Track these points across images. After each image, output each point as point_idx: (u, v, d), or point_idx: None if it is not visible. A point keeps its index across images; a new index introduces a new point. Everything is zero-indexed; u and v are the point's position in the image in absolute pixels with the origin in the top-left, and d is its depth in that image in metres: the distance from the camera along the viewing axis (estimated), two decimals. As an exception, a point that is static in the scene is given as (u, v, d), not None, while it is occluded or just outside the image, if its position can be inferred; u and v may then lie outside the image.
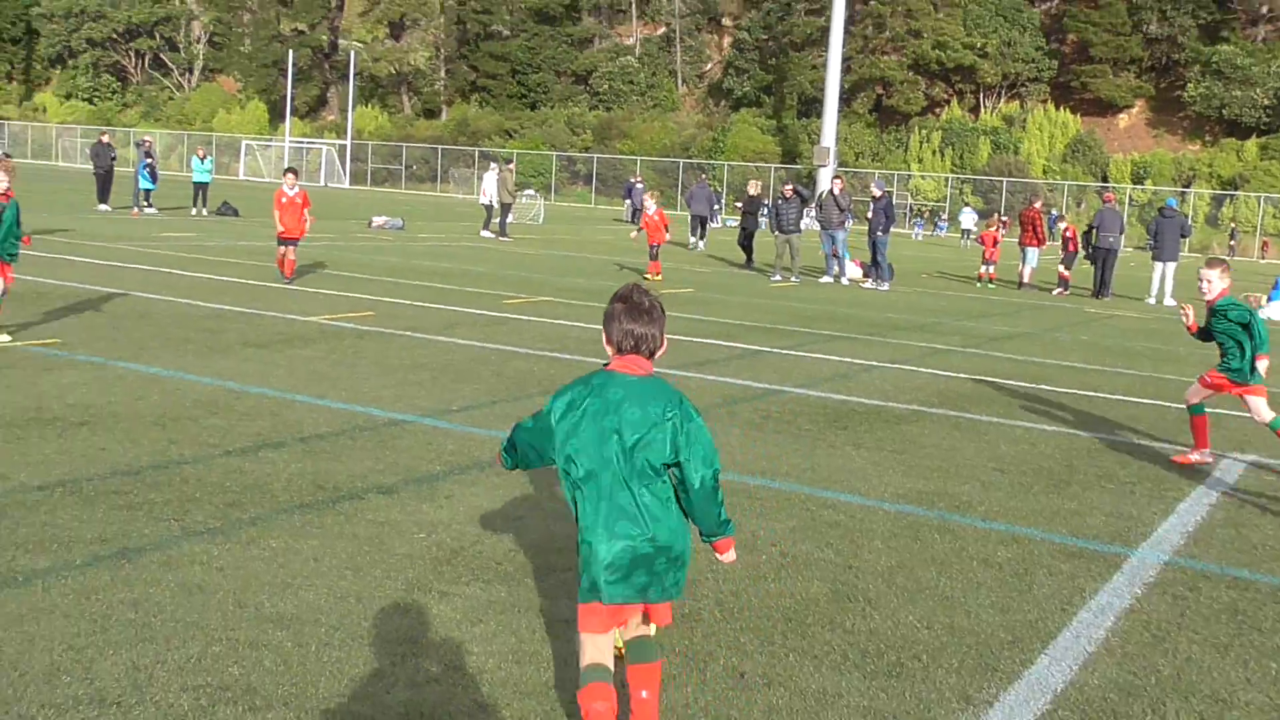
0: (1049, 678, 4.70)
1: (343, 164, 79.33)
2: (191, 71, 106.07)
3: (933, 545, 6.37)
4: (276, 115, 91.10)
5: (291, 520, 6.08)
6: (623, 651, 4.08)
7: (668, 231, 22.84)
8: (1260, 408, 8.46)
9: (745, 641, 4.88)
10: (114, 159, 34.10)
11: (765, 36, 79.77)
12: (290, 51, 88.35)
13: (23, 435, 7.41)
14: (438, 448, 7.86)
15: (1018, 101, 73.18)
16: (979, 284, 26.57)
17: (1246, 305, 8.61)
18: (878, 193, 25.40)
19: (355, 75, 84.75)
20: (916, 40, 71.91)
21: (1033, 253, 26.78)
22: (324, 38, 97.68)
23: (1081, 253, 26.43)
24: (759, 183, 30.81)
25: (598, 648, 3.85)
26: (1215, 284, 8.55)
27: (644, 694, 3.90)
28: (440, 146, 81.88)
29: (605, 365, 3.89)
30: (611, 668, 3.87)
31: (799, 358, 13.24)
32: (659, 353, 3.89)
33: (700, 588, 5.46)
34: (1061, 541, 6.58)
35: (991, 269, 26.91)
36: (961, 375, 12.54)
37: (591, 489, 3.77)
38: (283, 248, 17.49)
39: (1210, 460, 8.89)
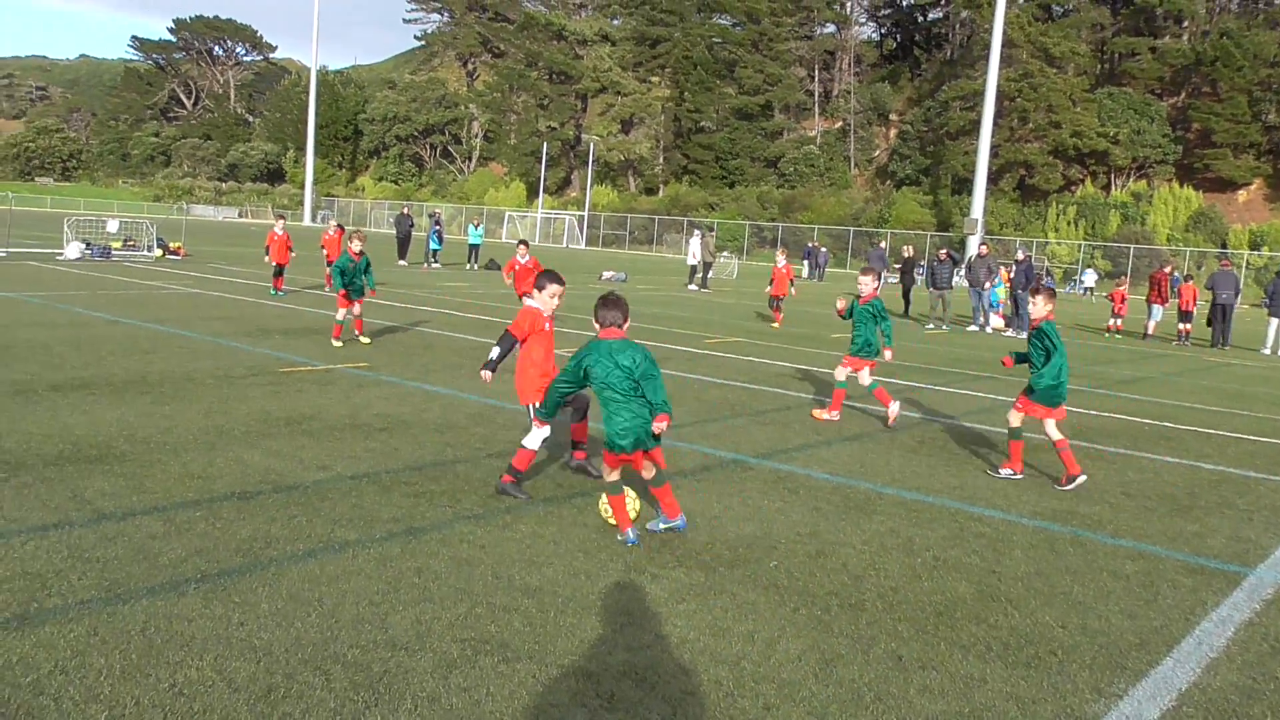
0: (1174, 678, 4.35)
1: (581, 230, 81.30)
2: (470, 159, 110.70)
3: (1067, 556, 6.00)
4: (532, 192, 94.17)
5: (537, 510, 6.19)
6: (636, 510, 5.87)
7: (793, 286, 22.16)
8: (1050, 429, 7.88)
9: (903, 630, 4.70)
10: (411, 226, 35.76)
11: (925, 128, 77.88)
12: (545, 144, 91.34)
13: (341, 436, 7.80)
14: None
15: (1145, 180, 69.01)
16: (1107, 334, 25.09)
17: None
18: (1021, 256, 24.37)
19: (593, 161, 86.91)
20: (1056, 130, 68.82)
21: (1158, 309, 25.18)
22: (571, 133, 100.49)
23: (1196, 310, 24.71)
24: (911, 247, 29.97)
25: (615, 475, 5.80)
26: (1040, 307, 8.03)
27: (664, 500, 5.86)
28: (657, 217, 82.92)
29: (597, 336, 5.81)
30: (622, 485, 5.81)
31: (949, 393, 12.75)
32: (624, 325, 5.88)
33: (864, 583, 5.30)
34: (1184, 559, 6.10)
35: (1119, 322, 25.40)
36: (1092, 412, 11.84)
37: (608, 394, 5.67)
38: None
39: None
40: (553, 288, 6.83)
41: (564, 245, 76.83)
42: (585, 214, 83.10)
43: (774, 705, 3.87)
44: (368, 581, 4.79)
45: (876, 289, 10.26)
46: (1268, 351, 22.45)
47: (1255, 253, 56.78)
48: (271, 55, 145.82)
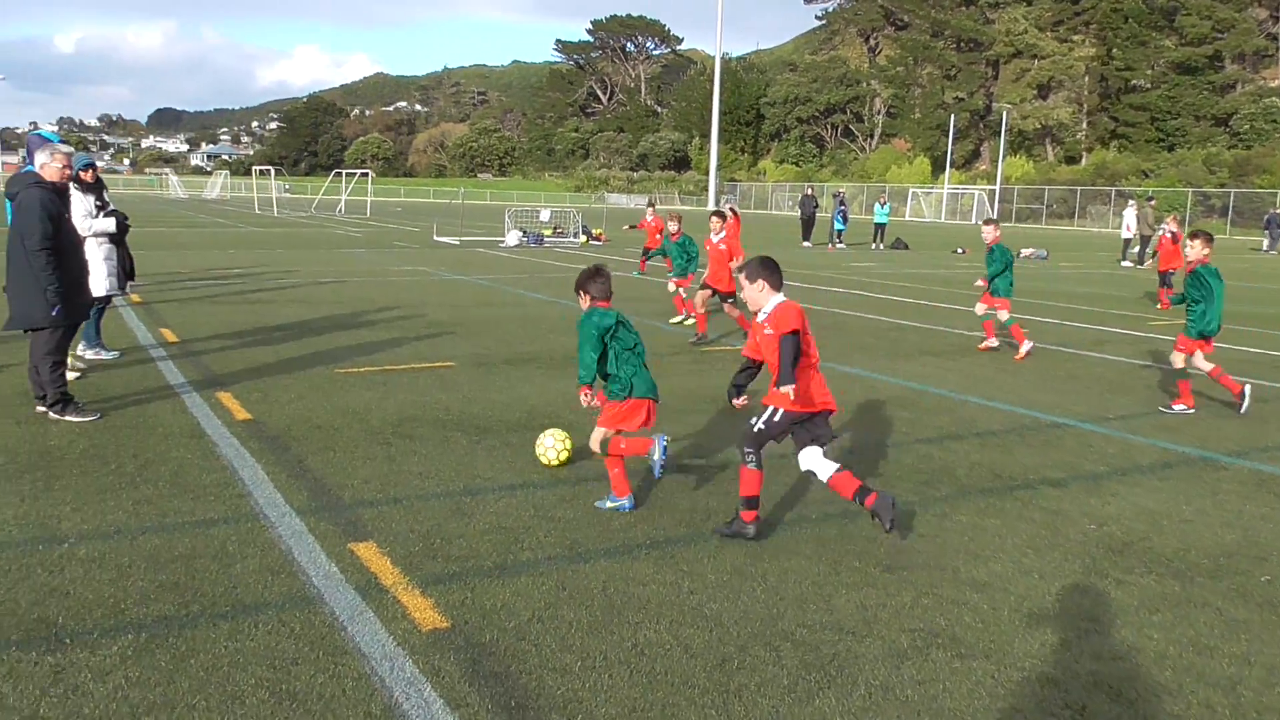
0: None
1: (991, 205, 77.21)
2: (872, 137, 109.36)
3: None
4: (938, 168, 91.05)
5: (975, 502, 5.89)
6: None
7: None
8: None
9: None
10: (815, 207, 35.95)
11: None
12: (951, 115, 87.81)
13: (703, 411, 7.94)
14: (1099, 450, 7.23)
15: None
16: None
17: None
18: None
19: (1005, 131, 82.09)
20: None
21: None
22: (980, 102, 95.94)
23: None
24: None
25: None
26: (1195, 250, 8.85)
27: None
28: (1078, 187, 76.67)
29: (594, 304, 5.52)
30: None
31: None
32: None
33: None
34: None
35: None
36: None
37: (628, 355, 5.50)
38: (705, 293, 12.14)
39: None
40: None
41: (973, 221, 73.52)
42: (997, 188, 78.75)
43: (1285, 744, 3.36)
44: (807, 562, 4.81)
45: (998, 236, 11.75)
46: None
47: None
48: (678, 47, 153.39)
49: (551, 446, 6.27)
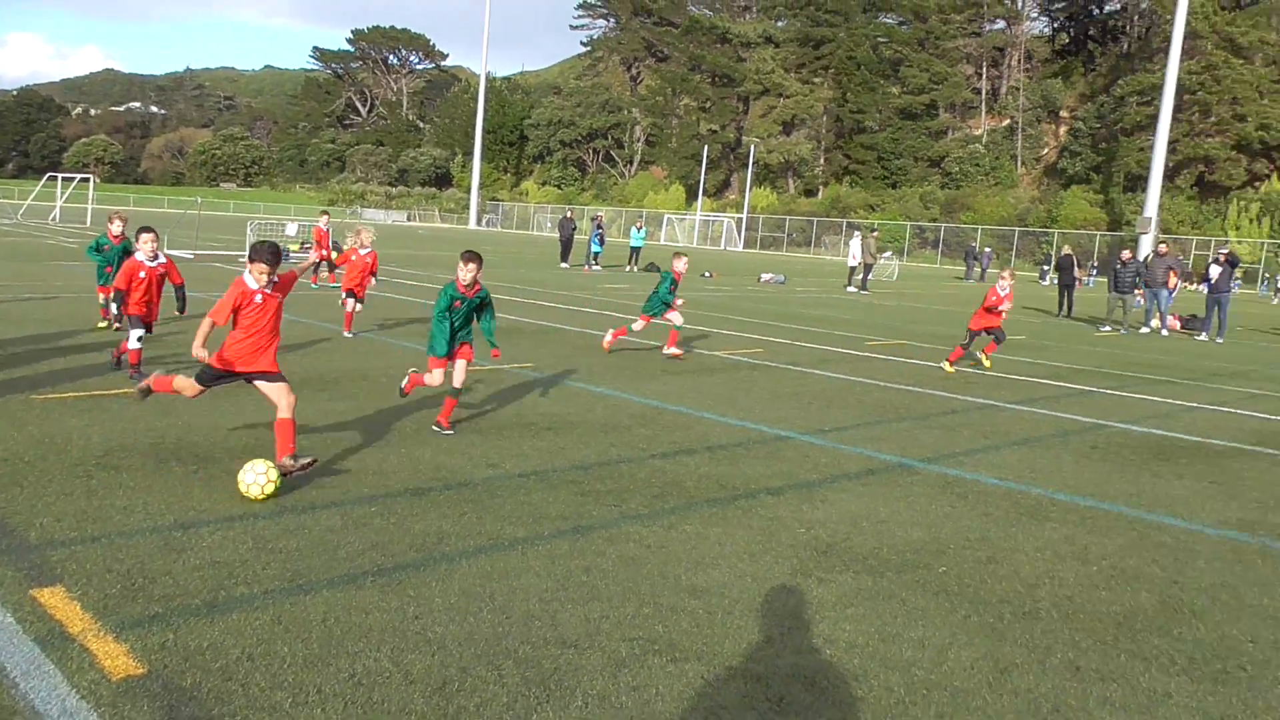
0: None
1: (739, 233, 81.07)
2: (632, 163, 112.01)
3: (1256, 569, 5.65)
4: (691, 195, 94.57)
5: (702, 512, 6.15)
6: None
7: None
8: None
9: (1080, 640, 4.49)
10: (574, 229, 36.43)
11: (1098, 125, 74.39)
12: (705, 146, 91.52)
13: (508, 435, 7.97)
14: (814, 460, 7.74)
15: (1342, 174, 63.92)
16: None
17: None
18: (1223, 255, 23.12)
19: (753, 163, 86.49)
20: (1241, 124, 64.87)
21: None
22: (731, 135, 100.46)
23: None
24: (1068, 246, 29.89)
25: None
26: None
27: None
28: (815, 218, 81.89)
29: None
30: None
31: (1122, 397, 12.06)
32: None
33: (1038, 591, 5.09)
34: None
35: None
36: (1277, 417, 10.95)
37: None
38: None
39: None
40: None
41: (722, 247, 76.84)
42: (744, 216, 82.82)
43: (947, 713, 3.74)
44: (537, 579, 4.86)
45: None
46: None
47: None
48: (443, 63, 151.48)
49: (255, 482, 5.77)
